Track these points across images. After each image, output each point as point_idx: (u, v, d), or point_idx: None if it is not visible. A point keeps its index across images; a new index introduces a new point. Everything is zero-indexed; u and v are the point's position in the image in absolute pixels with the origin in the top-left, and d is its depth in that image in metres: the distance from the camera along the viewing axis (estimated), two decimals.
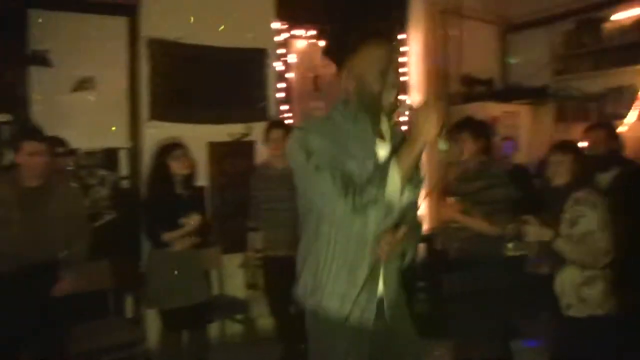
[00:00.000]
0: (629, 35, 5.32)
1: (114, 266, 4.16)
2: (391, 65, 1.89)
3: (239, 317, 4.61)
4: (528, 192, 4.67)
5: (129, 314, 4.45)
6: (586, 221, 2.74)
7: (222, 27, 4.67)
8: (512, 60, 6.50)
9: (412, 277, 5.08)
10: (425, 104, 1.81)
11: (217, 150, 4.74)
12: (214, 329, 4.40)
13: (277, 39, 5.09)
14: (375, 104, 1.88)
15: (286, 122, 4.70)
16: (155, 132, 4.44)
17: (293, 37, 5.28)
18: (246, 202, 4.15)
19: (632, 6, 5.29)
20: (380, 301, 1.93)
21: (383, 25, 1.70)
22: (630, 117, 5.25)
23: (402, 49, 5.68)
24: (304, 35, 5.33)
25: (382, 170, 1.81)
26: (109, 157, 4.42)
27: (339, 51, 1.94)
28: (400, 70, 1.94)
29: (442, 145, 1.80)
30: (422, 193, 2.04)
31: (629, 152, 4.24)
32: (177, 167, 3.55)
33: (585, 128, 3.90)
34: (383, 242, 1.84)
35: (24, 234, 3.12)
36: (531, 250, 3.04)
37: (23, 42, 4.06)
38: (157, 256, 3.59)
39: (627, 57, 5.32)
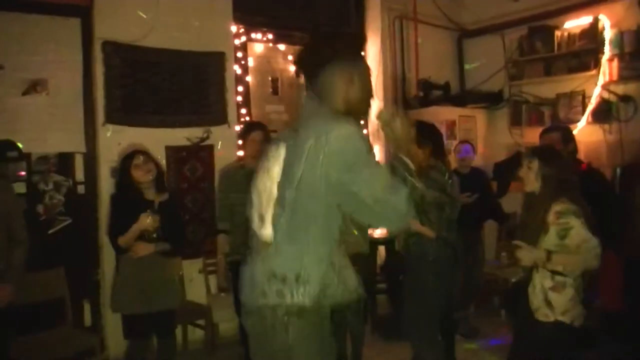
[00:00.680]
0: (579, 43, 5.51)
1: (70, 273, 4.05)
2: (365, 75, 1.96)
3: (199, 322, 4.56)
4: (486, 196, 4.80)
5: (87, 322, 4.34)
6: (575, 232, 2.70)
7: (178, 31, 4.62)
8: (468, 66, 6.63)
9: (373, 279, 5.13)
10: (394, 113, 1.97)
11: (175, 155, 4.68)
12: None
13: (235, 42, 5.07)
14: (349, 112, 1.90)
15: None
16: (111, 136, 4.36)
17: (251, 40, 5.27)
18: (206, 206, 4.09)
19: (582, 14, 5.50)
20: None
21: (354, 35, 1.75)
22: (582, 122, 5.44)
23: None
24: (261, 39, 5.33)
25: (403, 164, 1.91)
26: (64, 161, 4.31)
27: (312, 62, 1.94)
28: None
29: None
30: None
31: (581, 155, 4.37)
32: (139, 175, 3.48)
33: (541, 131, 3.99)
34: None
35: None
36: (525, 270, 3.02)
37: None
38: (124, 262, 3.51)
39: (578, 63, 5.53)
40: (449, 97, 6.21)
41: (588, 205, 2.77)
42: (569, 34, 5.60)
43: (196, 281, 4.68)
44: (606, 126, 5.33)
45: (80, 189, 4.38)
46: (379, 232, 4.94)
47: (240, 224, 3.79)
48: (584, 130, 5.41)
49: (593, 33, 5.40)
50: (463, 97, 6.33)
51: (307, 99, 1.98)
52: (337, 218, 1.86)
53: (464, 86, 6.62)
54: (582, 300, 2.78)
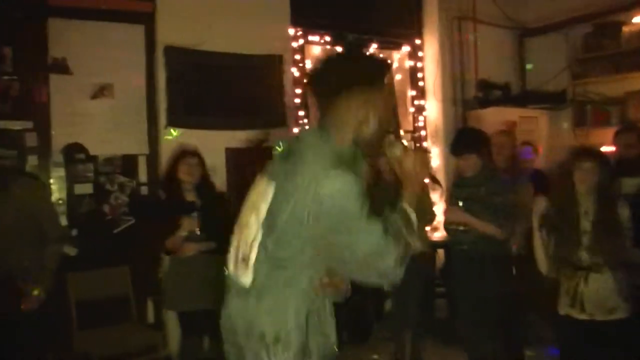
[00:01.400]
0: None
1: (135, 272, 4.18)
2: (384, 107, 1.76)
3: None
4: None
5: (151, 319, 4.45)
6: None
7: (238, 35, 4.70)
8: (529, 66, 6.45)
9: (433, 282, 5.05)
10: (412, 151, 1.80)
11: (235, 157, 4.74)
12: None
13: (293, 44, 5.11)
14: (357, 145, 1.75)
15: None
16: (173, 139, 4.46)
17: (308, 42, 5.30)
18: None
19: None
20: None
21: (379, 59, 1.53)
22: None
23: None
24: (319, 41, 5.35)
25: (404, 218, 1.68)
26: (128, 163, 4.44)
27: (327, 86, 1.74)
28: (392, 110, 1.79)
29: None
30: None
31: None
32: (184, 174, 3.56)
33: (615, 131, 3.83)
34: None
35: None
36: None
37: (43, 50, 4.11)
38: (172, 261, 3.60)
39: None
40: (509, 98, 6.07)
41: None
42: (638, 29, 5.34)
43: None
44: None
45: (144, 190, 4.50)
46: (438, 235, 4.87)
47: None
48: None
49: None
50: (524, 98, 6.18)
51: (308, 131, 1.88)
52: (318, 267, 1.71)
53: (525, 86, 6.45)
54: None
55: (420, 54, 5.89)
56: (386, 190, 2.88)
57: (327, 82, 1.73)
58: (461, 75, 5.99)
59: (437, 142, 5.76)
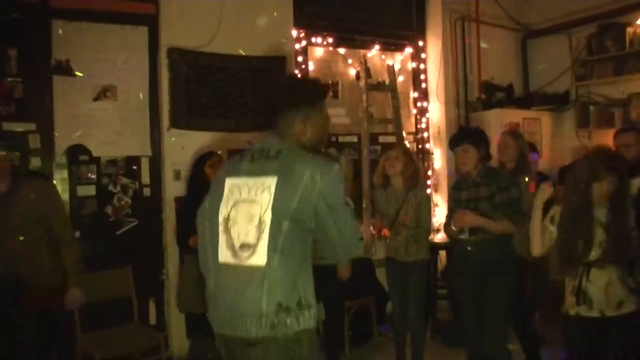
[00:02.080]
0: None
1: (137, 273, 4.20)
2: (314, 124, 2.12)
3: None
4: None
5: (153, 320, 4.47)
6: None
7: (241, 37, 4.71)
8: (533, 67, 6.44)
9: (435, 284, 5.05)
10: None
11: None
12: None
13: (296, 46, 5.12)
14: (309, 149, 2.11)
15: None
16: (175, 140, 4.48)
17: (311, 44, 5.30)
18: None
19: None
20: None
21: (320, 85, 2.00)
22: None
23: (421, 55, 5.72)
24: (321, 43, 5.36)
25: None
26: (131, 165, 4.46)
27: (279, 104, 2.12)
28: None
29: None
30: None
31: None
32: (213, 174, 3.59)
33: (615, 132, 3.82)
34: None
35: None
36: None
37: (46, 52, 4.14)
38: (188, 261, 3.61)
39: None
40: (512, 99, 6.05)
41: None
42: None
43: None
44: None
45: (146, 191, 4.52)
46: (440, 237, 4.87)
47: None
48: None
49: None
50: (527, 99, 6.16)
51: (269, 135, 2.12)
52: (311, 242, 2.04)
53: (528, 88, 6.43)
54: None
55: (423, 55, 5.88)
56: None
57: (278, 99, 2.15)
58: (464, 77, 5.99)
59: (439, 143, 5.75)
